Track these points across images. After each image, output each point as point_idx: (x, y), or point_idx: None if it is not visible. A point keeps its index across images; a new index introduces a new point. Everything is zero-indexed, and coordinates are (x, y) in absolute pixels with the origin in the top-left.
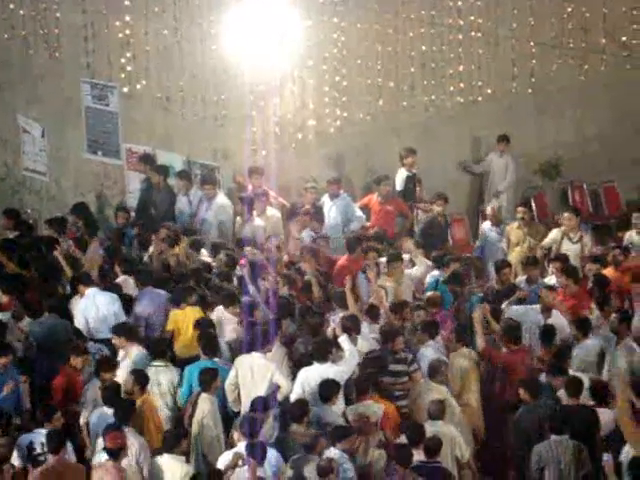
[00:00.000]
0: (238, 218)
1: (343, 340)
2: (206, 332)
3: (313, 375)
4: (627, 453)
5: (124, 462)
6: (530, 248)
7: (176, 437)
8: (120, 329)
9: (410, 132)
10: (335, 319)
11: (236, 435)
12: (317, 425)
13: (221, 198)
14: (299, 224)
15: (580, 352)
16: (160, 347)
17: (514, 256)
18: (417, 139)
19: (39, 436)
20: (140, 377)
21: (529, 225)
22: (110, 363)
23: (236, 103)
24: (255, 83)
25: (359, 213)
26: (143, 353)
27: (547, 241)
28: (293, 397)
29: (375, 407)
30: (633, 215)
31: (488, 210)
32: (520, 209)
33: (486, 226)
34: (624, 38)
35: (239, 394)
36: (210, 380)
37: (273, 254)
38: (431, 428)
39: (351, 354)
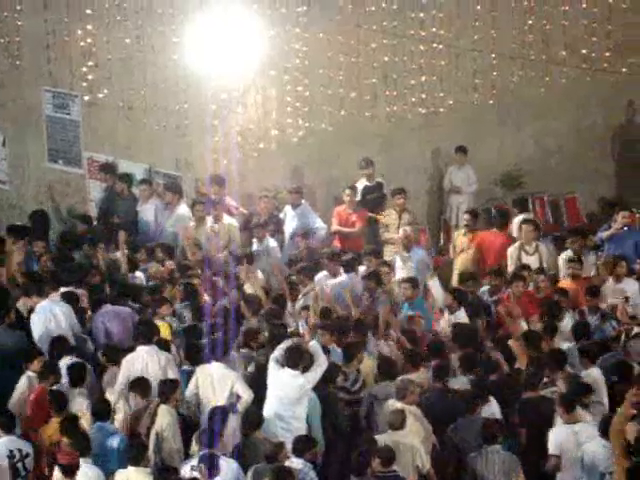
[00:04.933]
0: (192, 223)
1: (314, 346)
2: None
3: (285, 380)
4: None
5: None
6: (473, 257)
7: (140, 450)
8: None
9: (372, 142)
10: (303, 324)
11: (196, 447)
12: None
13: (182, 208)
14: (256, 237)
15: None
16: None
17: (459, 263)
18: (379, 149)
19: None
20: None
21: (473, 232)
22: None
23: (198, 112)
24: (217, 92)
25: (321, 223)
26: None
27: (510, 261)
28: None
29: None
30: None
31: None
32: (465, 216)
33: (397, 255)
34: (584, 51)
35: (199, 404)
36: (169, 391)
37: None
38: (392, 438)
39: (319, 364)
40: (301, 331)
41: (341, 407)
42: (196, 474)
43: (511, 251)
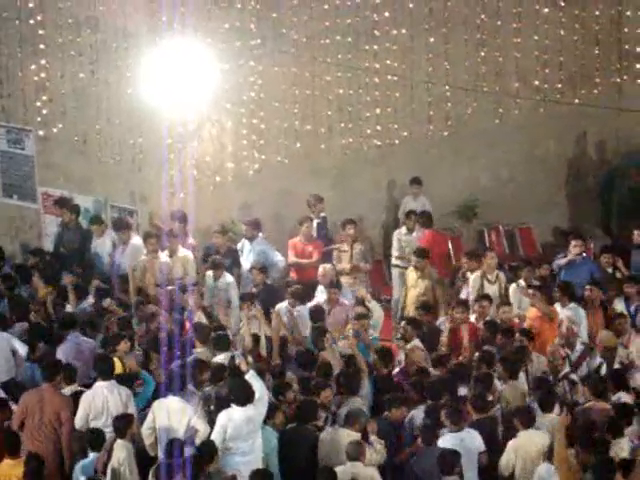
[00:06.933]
0: (143, 256)
1: (251, 377)
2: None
3: (235, 417)
4: None
5: None
6: (422, 293)
7: None
8: None
9: (327, 175)
10: (239, 355)
11: None
12: None
13: (136, 239)
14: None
15: None
16: None
17: (409, 297)
18: (334, 182)
19: None
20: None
21: (422, 269)
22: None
23: (153, 146)
24: (172, 126)
25: (278, 256)
26: None
27: (472, 290)
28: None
29: None
30: None
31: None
32: (413, 258)
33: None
34: (537, 82)
35: (156, 438)
36: (125, 426)
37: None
38: (351, 469)
39: (261, 392)
40: (237, 361)
41: None
42: None
43: (473, 279)
